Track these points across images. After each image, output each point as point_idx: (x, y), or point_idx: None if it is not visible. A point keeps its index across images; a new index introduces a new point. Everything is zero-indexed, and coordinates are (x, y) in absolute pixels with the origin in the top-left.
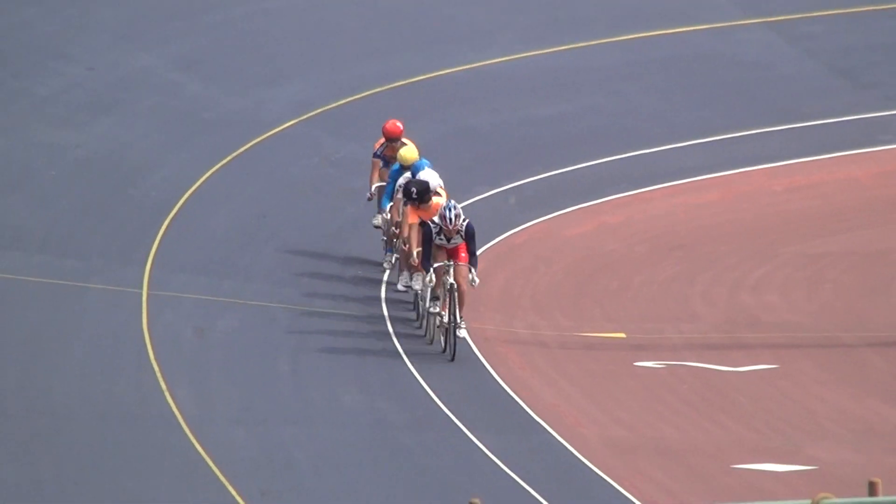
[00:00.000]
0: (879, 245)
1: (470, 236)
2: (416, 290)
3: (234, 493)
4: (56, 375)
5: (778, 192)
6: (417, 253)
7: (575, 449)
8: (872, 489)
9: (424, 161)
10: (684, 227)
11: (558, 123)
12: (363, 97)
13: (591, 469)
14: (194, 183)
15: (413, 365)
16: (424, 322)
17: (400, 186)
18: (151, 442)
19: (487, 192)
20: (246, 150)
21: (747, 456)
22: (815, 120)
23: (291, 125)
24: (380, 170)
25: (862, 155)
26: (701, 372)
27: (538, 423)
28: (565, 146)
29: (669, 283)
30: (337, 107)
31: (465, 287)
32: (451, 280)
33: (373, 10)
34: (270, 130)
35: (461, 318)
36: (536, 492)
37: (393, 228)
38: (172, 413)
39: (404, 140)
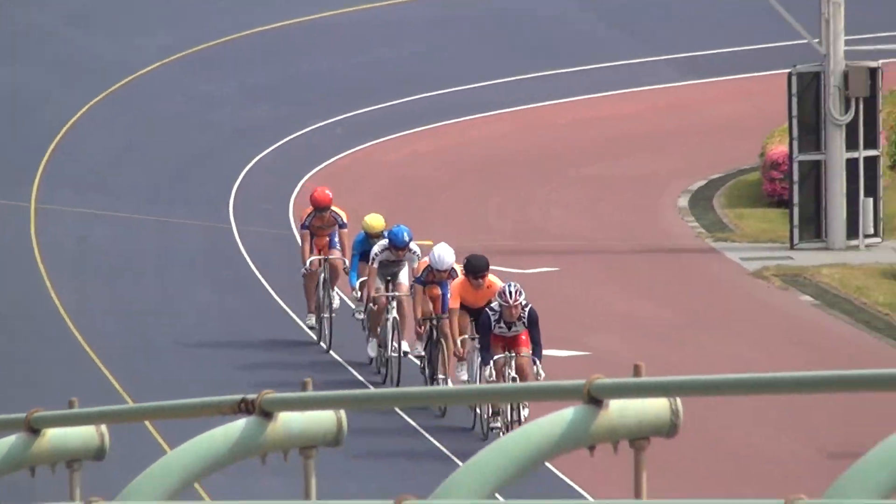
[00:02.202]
0: (647, 169)
1: (533, 323)
2: (464, 381)
3: (109, 375)
4: None
5: (562, 125)
6: (462, 341)
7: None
8: (637, 371)
9: (403, 227)
10: (482, 154)
11: (381, 66)
12: (220, 44)
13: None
14: (73, 117)
15: (252, 261)
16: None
17: (375, 255)
18: (40, 334)
19: (319, 123)
20: (119, 88)
21: None
22: (594, 64)
23: (157, 67)
24: (310, 242)
25: (633, 94)
26: (496, 274)
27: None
28: (386, 85)
29: (468, 201)
30: (197, 51)
31: (530, 380)
32: (513, 374)
33: None
34: (139, 71)
35: (525, 407)
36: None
37: (371, 305)
38: (57, 308)
39: (335, 208)
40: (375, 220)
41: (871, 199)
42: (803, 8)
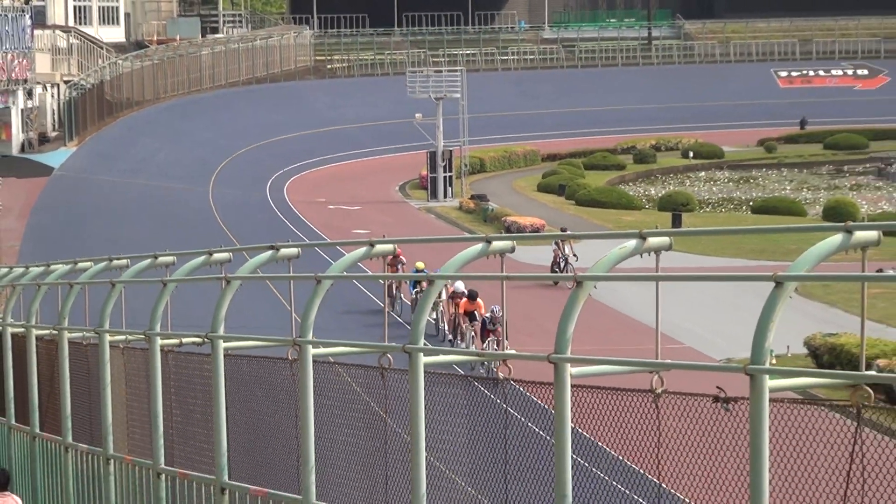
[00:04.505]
0: (386, 180)
1: (500, 322)
2: (469, 340)
3: (236, 241)
4: None
5: (362, 168)
6: (466, 326)
7: None
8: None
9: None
10: (349, 173)
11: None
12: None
13: None
14: (228, 158)
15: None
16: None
17: (445, 286)
18: (209, 232)
19: (304, 161)
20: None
21: None
22: (373, 147)
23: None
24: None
25: (382, 157)
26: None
27: None
28: (302, 154)
29: (347, 188)
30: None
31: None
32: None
33: None
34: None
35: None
36: None
37: (441, 309)
38: (220, 225)
39: (401, 256)
40: (420, 264)
41: (450, 187)
42: (430, 130)
